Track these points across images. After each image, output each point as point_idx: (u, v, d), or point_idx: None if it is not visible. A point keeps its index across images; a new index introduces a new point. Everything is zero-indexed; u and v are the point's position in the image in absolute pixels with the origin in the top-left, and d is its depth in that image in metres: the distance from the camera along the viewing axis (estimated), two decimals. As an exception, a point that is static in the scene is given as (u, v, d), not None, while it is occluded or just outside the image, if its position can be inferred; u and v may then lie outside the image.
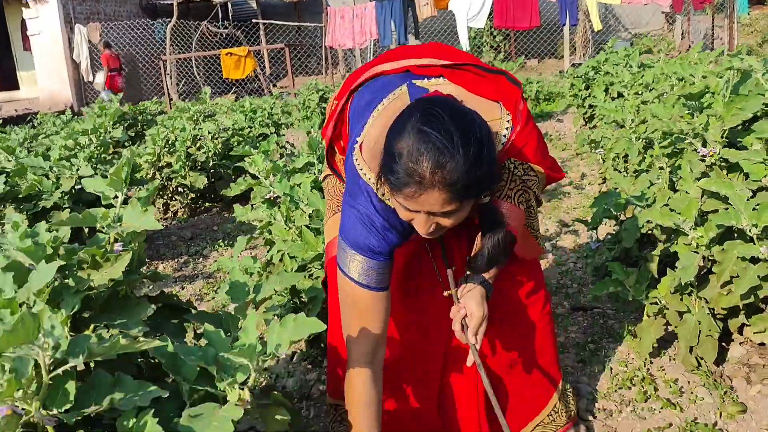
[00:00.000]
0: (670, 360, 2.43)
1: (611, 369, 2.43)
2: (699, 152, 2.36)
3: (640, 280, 2.44)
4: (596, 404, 2.24)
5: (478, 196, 1.36)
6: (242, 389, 1.36)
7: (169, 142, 4.80)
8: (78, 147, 3.82)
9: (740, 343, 2.40)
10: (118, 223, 1.53)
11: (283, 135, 6.25)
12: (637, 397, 2.23)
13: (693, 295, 2.27)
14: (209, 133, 4.71)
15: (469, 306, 1.53)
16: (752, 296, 2.05)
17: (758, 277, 1.98)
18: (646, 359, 2.43)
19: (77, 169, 3.40)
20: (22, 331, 1.00)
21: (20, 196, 3.37)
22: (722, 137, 2.32)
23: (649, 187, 2.54)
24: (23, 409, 1.11)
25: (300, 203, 2.46)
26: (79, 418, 1.23)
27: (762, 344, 2.30)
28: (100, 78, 12.79)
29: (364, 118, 1.57)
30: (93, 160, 3.49)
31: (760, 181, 2.14)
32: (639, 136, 3.15)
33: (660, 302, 2.36)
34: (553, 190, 4.85)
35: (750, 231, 2.01)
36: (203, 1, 14.83)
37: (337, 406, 1.92)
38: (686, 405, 2.16)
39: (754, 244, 2.02)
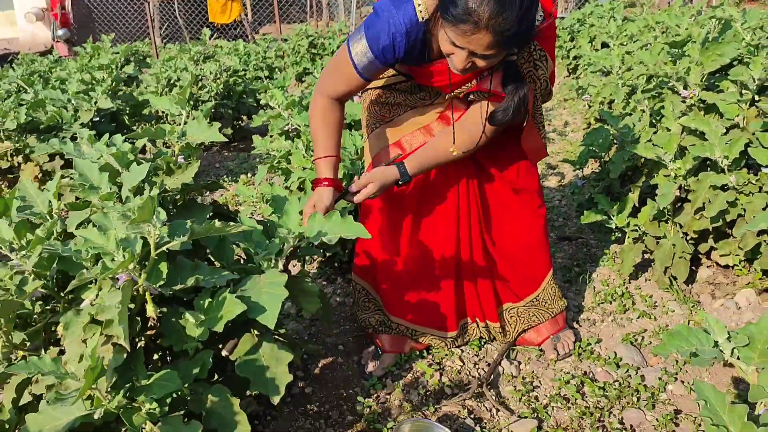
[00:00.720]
0: (646, 281, 2.73)
1: (594, 288, 2.73)
2: (680, 94, 2.62)
3: (622, 210, 2.73)
4: (581, 315, 2.54)
5: (516, 48, 1.65)
6: (276, 259, 1.61)
7: (171, 82, 4.95)
8: (94, 81, 3.97)
9: (707, 266, 2.72)
10: (184, 137, 1.75)
11: (277, 78, 6.38)
12: (617, 310, 2.54)
13: (669, 222, 2.56)
14: (211, 73, 4.86)
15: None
16: (720, 220, 2.34)
17: (727, 202, 2.27)
18: (625, 280, 2.73)
19: (95, 102, 3.56)
20: (147, 210, 1.24)
21: (41, 127, 3.54)
22: (702, 81, 2.59)
23: (633, 126, 2.81)
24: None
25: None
26: (171, 292, 1.48)
27: (726, 266, 2.62)
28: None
29: None
30: (107, 93, 3.65)
31: (733, 119, 2.42)
32: (624, 82, 3.40)
33: (640, 229, 2.66)
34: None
35: (722, 162, 2.29)
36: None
37: (364, 291, 2.25)
38: (659, 315, 2.48)
39: (725, 174, 2.31)
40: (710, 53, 2.62)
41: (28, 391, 1.63)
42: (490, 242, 2.19)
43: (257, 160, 4.83)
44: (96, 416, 1.40)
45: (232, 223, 1.41)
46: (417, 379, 2.14)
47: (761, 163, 2.19)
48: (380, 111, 2.08)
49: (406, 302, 2.21)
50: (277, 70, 6.59)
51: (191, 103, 4.83)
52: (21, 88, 4.47)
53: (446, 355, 2.26)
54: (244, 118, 5.32)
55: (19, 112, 3.49)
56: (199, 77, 4.93)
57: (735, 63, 2.60)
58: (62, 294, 1.53)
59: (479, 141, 1.88)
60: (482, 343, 2.33)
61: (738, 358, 1.33)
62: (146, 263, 1.38)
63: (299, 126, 2.85)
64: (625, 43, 4.35)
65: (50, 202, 1.67)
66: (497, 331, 2.28)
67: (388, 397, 2.07)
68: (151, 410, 1.48)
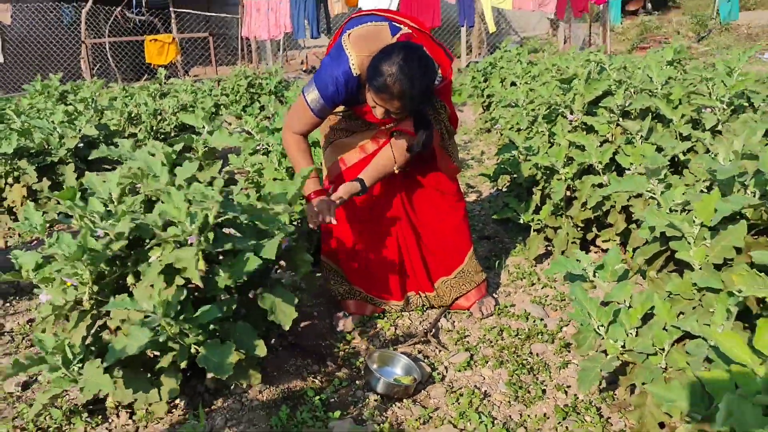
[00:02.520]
0: (547, 264, 3.48)
1: (509, 271, 3.45)
2: (568, 118, 3.42)
3: (528, 209, 3.49)
4: (499, 289, 3.25)
5: (417, 108, 2.40)
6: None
7: (132, 115, 5.47)
8: (77, 112, 4.45)
9: (594, 252, 3.50)
10: (206, 144, 2.36)
11: (222, 114, 6.98)
12: (527, 284, 3.26)
13: (563, 216, 3.33)
14: (170, 107, 5.42)
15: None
16: (599, 210, 3.12)
17: (602, 196, 3.05)
18: (532, 263, 3.47)
19: (80, 129, 4.07)
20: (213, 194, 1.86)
21: (32, 151, 4.02)
22: (583, 108, 3.40)
23: (534, 144, 3.59)
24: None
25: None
26: (217, 251, 2.08)
27: (607, 250, 3.40)
28: None
29: (353, 26, 2.52)
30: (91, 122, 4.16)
31: (605, 135, 3.23)
32: (528, 113, 4.22)
33: (542, 222, 3.41)
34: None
35: (598, 167, 3.07)
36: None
37: (332, 269, 2.87)
38: (558, 286, 3.21)
39: (600, 175, 3.09)
40: (589, 87, 3.44)
41: (98, 328, 2.18)
42: (422, 231, 2.87)
43: (213, 184, 5.38)
44: (161, 339, 1.98)
45: (265, 205, 2.05)
46: (377, 332, 2.78)
47: (624, 166, 2.97)
48: (331, 134, 2.80)
49: (363, 277, 2.87)
50: (222, 107, 7.17)
51: (152, 133, 5.36)
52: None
53: (398, 316, 2.91)
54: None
55: (11, 138, 3.96)
56: (159, 111, 5.47)
57: (606, 94, 3.42)
58: (132, 252, 2.11)
59: (400, 161, 2.63)
60: (425, 309, 2.99)
61: (597, 278, 2.06)
62: (203, 231, 1.99)
63: (269, 145, 3.48)
64: (528, 82, 5.22)
65: (110, 190, 2.23)
66: (434, 299, 2.95)
67: (357, 344, 2.70)
68: (197, 337, 2.06)
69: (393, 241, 2.84)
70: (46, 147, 4.05)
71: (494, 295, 3.17)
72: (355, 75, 2.40)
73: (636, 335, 1.86)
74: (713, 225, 1.84)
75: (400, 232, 2.84)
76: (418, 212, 2.86)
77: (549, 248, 3.58)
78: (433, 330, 2.81)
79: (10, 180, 4.08)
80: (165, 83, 6.92)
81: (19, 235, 4.22)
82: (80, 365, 2.04)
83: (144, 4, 15.21)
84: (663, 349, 1.80)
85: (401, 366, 2.44)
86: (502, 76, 6.48)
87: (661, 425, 1.85)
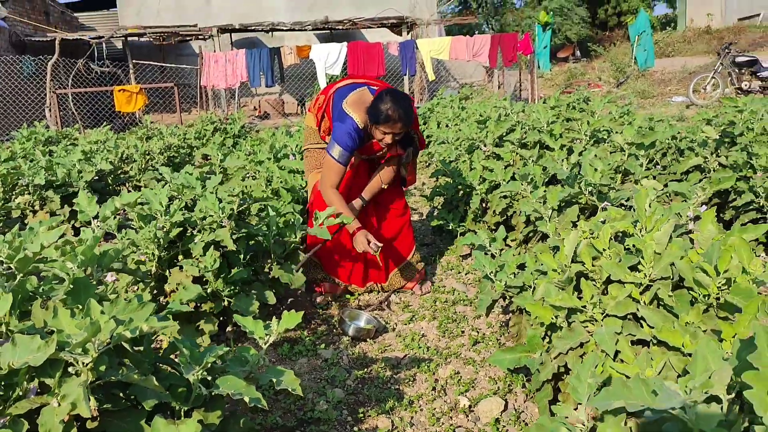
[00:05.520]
0: (471, 260, 4.58)
1: (442, 265, 4.53)
2: (482, 149, 4.58)
3: (455, 218, 4.61)
4: (435, 277, 4.32)
5: (409, 128, 3.46)
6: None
7: (124, 156, 6.42)
8: (91, 152, 5.39)
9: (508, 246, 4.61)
10: (222, 166, 3.40)
11: (194, 155, 7.96)
12: (455, 273, 4.35)
13: (480, 222, 4.45)
14: (158, 149, 6.40)
15: None
16: (504, 216, 4.25)
17: (507, 205, 4.18)
18: (459, 259, 4.57)
19: (97, 165, 5.03)
20: (236, 193, 2.89)
21: (56, 184, 4.95)
22: (493, 141, 4.57)
23: (458, 169, 4.73)
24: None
25: (273, 176, 4.38)
26: (241, 233, 3.11)
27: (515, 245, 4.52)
28: None
29: (344, 97, 3.56)
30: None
31: (509, 161, 4.39)
32: (456, 147, 5.38)
33: (465, 228, 4.53)
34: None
35: (502, 182, 4.21)
36: (75, 40, 15.95)
37: (313, 262, 3.89)
38: (478, 274, 4.30)
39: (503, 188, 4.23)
40: (498, 126, 4.61)
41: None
42: (381, 233, 3.94)
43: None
44: (208, 291, 2.98)
45: (268, 194, 3.09)
46: (345, 304, 3.82)
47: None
48: (314, 162, 3.84)
49: (335, 268, 3.91)
50: (195, 148, 8.17)
51: (142, 171, 6.32)
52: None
53: (361, 293, 3.96)
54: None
55: (40, 173, 4.89)
56: (147, 152, 6.44)
57: (510, 132, 4.60)
58: (181, 239, 3.11)
59: (393, 176, 3.71)
60: (379, 290, 4.04)
61: (491, 246, 3.16)
62: (231, 217, 3.01)
63: (257, 173, 4.52)
64: (458, 124, 6.43)
65: (161, 199, 3.23)
66: (387, 287, 4.01)
67: (331, 312, 3.73)
68: (230, 292, 3.06)
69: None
70: (67, 180, 4.98)
71: (431, 280, 4.24)
72: (360, 128, 3.47)
73: (514, 278, 2.95)
74: (558, 207, 2.97)
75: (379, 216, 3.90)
76: (376, 222, 3.92)
77: (472, 248, 4.68)
78: (386, 302, 3.86)
79: (36, 206, 4.99)
80: (149, 128, 7.91)
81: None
82: (148, 315, 3.01)
83: (105, 57, 16.15)
84: (531, 286, 2.89)
85: (364, 319, 3.48)
86: (438, 119, 7.70)
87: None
